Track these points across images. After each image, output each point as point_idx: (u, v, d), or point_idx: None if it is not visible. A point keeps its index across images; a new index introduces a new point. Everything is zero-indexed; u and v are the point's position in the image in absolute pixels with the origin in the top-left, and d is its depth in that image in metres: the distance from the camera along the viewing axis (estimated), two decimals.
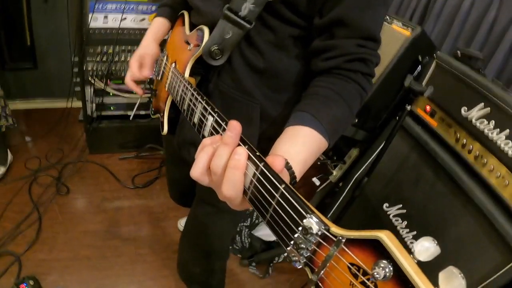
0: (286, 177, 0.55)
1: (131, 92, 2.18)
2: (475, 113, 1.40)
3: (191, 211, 1.29)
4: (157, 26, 1.06)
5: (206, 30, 0.84)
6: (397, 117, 1.61)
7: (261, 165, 0.48)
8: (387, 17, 1.82)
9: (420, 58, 1.74)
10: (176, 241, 1.99)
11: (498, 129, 1.30)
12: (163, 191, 2.29)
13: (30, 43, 2.41)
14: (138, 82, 1.07)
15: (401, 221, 1.66)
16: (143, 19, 2.02)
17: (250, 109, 0.88)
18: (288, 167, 0.56)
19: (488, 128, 1.35)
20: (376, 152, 1.86)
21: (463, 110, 1.45)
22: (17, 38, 2.40)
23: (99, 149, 2.41)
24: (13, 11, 2.02)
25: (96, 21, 1.95)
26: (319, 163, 2.48)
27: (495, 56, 1.65)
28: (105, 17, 1.96)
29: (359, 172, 1.97)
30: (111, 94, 2.19)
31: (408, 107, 1.59)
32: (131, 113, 2.27)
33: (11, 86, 2.60)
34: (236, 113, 0.88)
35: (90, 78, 2.09)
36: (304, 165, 0.62)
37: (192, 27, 0.94)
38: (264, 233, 2.03)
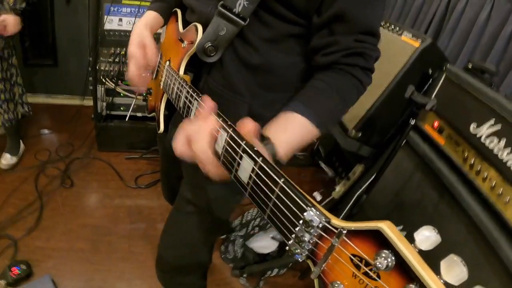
0: (265, 153, 0.58)
1: (140, 94, 2.24)
2: (485, 130, 1.30)
3: (173, 209, 1.27)
4: (148, 18, 1.02)
5: (199, 27, 0.84)
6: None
7: (259, 160, 0.50)
8: (397, 28, 1.75)
9: (430, 71, 1.65)
10: None
11: (510, 149, 1.19)
12: None
13: (52, 42, 2.55)
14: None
15: None
16: None
17: (238, 107, 0.87)
18: (266, 143, 0.62)
19: (498, 147, 1.24)
20: (379, 170, 1.77)
21: (472, 127, 1.35)
22: (40, 36, 2.54)
23: (107, 147, 2.47)
24: (38, 11, 2.16)
25: (112, 23, 2.04)
26: (327, 179, 2.40)
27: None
28: (120, 20, 2.04)
29: (361, 190, 1.87)
30: (121, 95, 2.26)
31: (412, 122, 1.50)
32: (140, 114, 2.34)
33: (33, 81, 2.74)
34: (224, 110, 0.87)
35: (102, 78, 2.17)
36: (289, 146, 0.67)
37: (186, 24, 0.94)
38: (258, 245, 1.97)
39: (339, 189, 2.03)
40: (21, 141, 2.34)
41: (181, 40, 0.91)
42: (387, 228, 0.36)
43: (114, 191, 2.26)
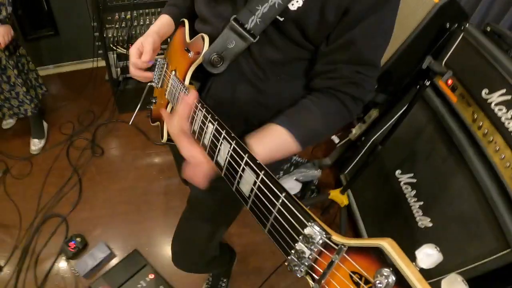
0: None
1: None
2: (496, 98, 1.35)
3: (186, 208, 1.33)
4: (161, 22, 1.04)
5: (206, 38, 0.86)
6: (418, 86, 1.56)
7: (261, 174, 0.50)
8: None
9: (448, 25, 1.64)
10: None
11: None
12: None
13: (47, 10, 2.40)
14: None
15: (410, 190, 1.73)
16: None
17: (236, 120, 0.90)
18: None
19: (505, 116, 1.32)
20: (394, 120, 1.86)
21: (484, 92, 1.39)
22: (33, 6, 2.37)
23: (127, 109, 2.51)
24: None
25: None
26: None
27: None
28: None
29: (377, 135, 1.99)
30: None
31: (427, 83, 1.55)
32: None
33: (37, 54, 2.64)
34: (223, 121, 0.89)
35: (111, 45, 2.11)
36: (266, 153, 0.70)
37: (193, 34, 0.94)
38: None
39: (355, 132, 2.15)
40: (43, 120, 2.38)
41: (188, 50, 0.92)
42: (389, 245, 0.35)
43: (143, 151, 2.37)
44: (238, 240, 2.04)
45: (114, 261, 1.89)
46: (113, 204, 2.11)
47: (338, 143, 2.26)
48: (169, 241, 1.94)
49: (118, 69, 2.25)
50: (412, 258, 0.36)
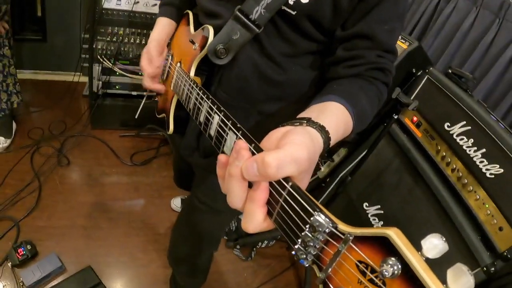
0: (314, 134, 0.51)
1: (136, 73, 2.25)
2: (457, 130, 1.50)
3: (187, 202, 1.36)
4: (161, 26, 1.05)
5: (211, 29, 0.85)
6: (385, 124, 1.71)
7: None
8: None
9: (414, 70, 1.85)
10: (168, 219, 2.12)
11: (476, 147, 1.41)
12: (159, 171, 2.40)
13: (41, 15, 2.44)
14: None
15: (378, 221, 1.79)
16: (155, 5, 2.07)
17: (247, 115, 0.92)
18: (310, 124, 0.53)
19: (466, 145, 1.46)
20: (362, 154, 1.98)
21: (447, 125, 1.55)
22: (27, 9, 2.41)
23: (101, 125, 2.47)
24: None
25: (110, 2, 2.01)
26: None
27: (486, 78, 1.73)
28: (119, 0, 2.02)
29: (344, 171, 2.09)
30: (117, 74, 2.26)
31: (395, 116, 1.69)
32: (135, 93, 2.36)
33: (19, 56, 2.62)
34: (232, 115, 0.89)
35: (99, 57, 2.15)
36: (336, 134, 0.57)
37: (197, 26, 0.94)
38: None
39: (323, 170, 2.23)
40: (13, 121, 2.29)
41: (192, 42, 0.92)
42: (395, 235, 0.35)
43: (111, 169, 2.31)
44: None
45: (64, 276, 1.73)
46: (72, 217, 1.98)
47: None
48: (127, 262, 1.86)
49: (100, 82, 2.25)
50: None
